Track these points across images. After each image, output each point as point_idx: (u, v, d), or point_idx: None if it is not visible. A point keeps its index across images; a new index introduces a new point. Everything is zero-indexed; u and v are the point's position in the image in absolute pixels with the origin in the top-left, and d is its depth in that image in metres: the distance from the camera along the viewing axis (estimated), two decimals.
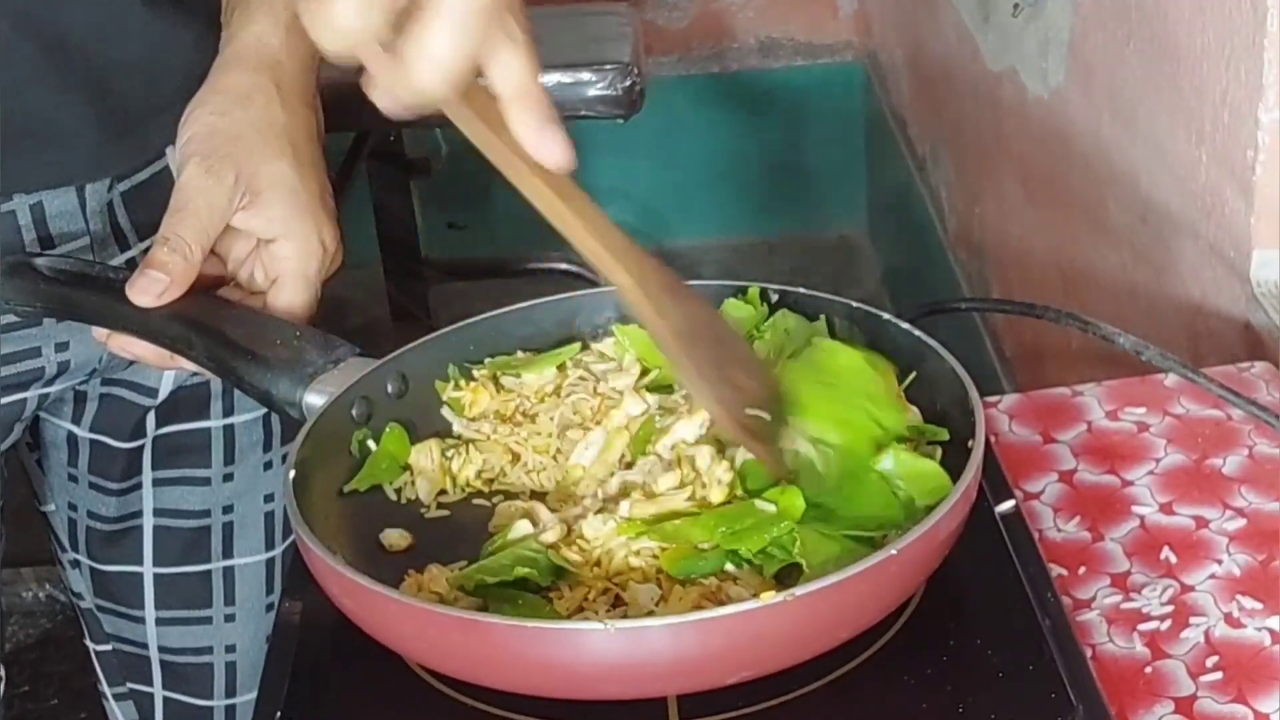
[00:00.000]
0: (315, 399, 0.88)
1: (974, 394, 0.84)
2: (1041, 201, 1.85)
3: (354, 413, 0.89)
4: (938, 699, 0.79)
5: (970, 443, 0.82)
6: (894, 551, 0.75)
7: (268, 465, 1.15)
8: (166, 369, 1.00)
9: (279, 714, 0.82)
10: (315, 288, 0.96)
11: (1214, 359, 1.22)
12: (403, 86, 0.65)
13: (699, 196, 3.08)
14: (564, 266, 2.57)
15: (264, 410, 1.11)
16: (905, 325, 0.91)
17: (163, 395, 1.11)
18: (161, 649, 1.17)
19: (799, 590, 0.72)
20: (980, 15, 2.05)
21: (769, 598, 0.72)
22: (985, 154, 2.12)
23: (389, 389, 0.91)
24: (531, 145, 0.69)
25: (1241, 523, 0.97)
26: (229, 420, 1.13)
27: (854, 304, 0.94)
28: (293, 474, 0.83)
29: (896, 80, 2.77)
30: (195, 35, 1.01)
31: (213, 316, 0.92)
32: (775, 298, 0.95)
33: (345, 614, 0.80)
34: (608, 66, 2.04)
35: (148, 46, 0.99)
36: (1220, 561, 0.94)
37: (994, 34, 1.99)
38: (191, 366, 0.92)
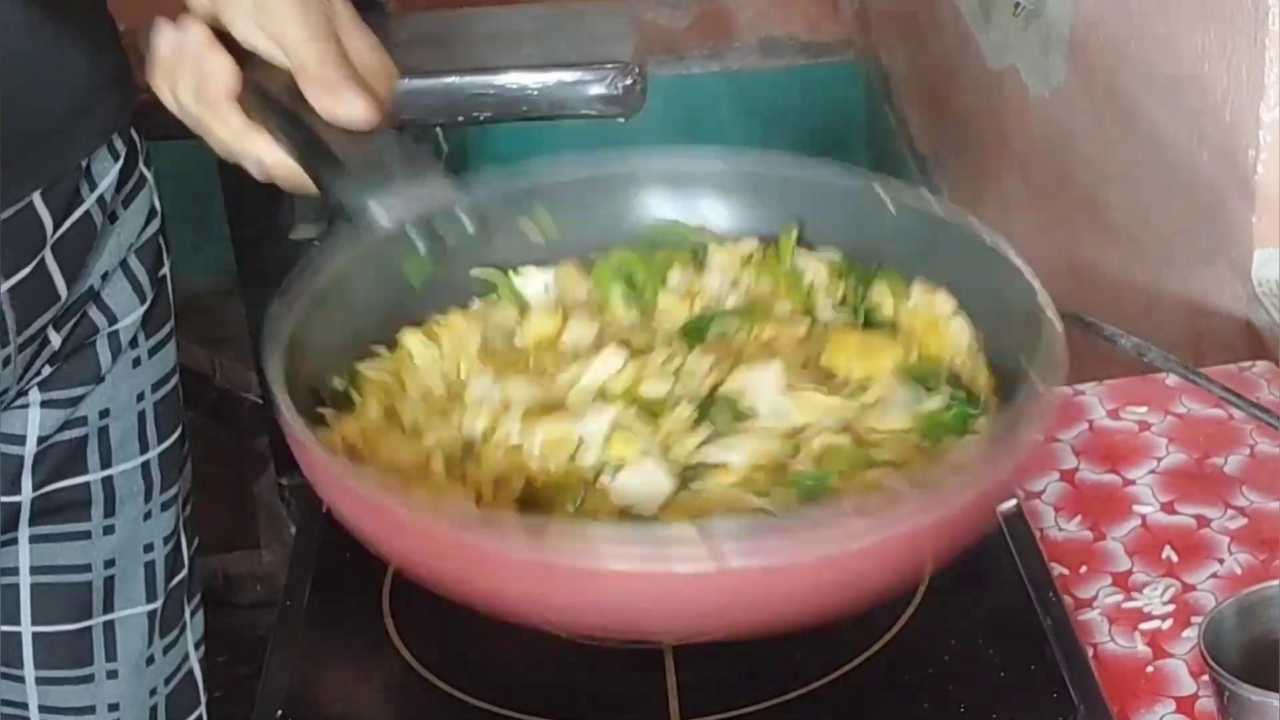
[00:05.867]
0: (382, 211, 0.79)
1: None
2: (1043, 200, 1.85)
3: (419, 238, 0.80)
4: (938, 699, 0.79)
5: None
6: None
7: (148, 515, 1.10)
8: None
9: (280, 713, 0.82)
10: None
11: (1215, 358, 1.22)
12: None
13: None
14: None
15: (142, 458, 1.07)
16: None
17: (30, 444, 1.05)
18: (42, 709, 1.12)
19: None
20: (981, 14, 2.05)
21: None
22: (987, 153, 2.12)
23: (465, 223, 0.82)
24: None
25: (1243, 522, 0.97)
26: (108, 472, 1.08)
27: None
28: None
29: (898, 79, 2.77)
30: (85, 61, 0.96)
31: (304, 107, 0.84)
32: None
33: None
34: (608, 66, 2.03)
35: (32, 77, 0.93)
36: (1222, 561, 0.94)
37: (995, 33, 1.99)
38: (277, 155, 0.85)
